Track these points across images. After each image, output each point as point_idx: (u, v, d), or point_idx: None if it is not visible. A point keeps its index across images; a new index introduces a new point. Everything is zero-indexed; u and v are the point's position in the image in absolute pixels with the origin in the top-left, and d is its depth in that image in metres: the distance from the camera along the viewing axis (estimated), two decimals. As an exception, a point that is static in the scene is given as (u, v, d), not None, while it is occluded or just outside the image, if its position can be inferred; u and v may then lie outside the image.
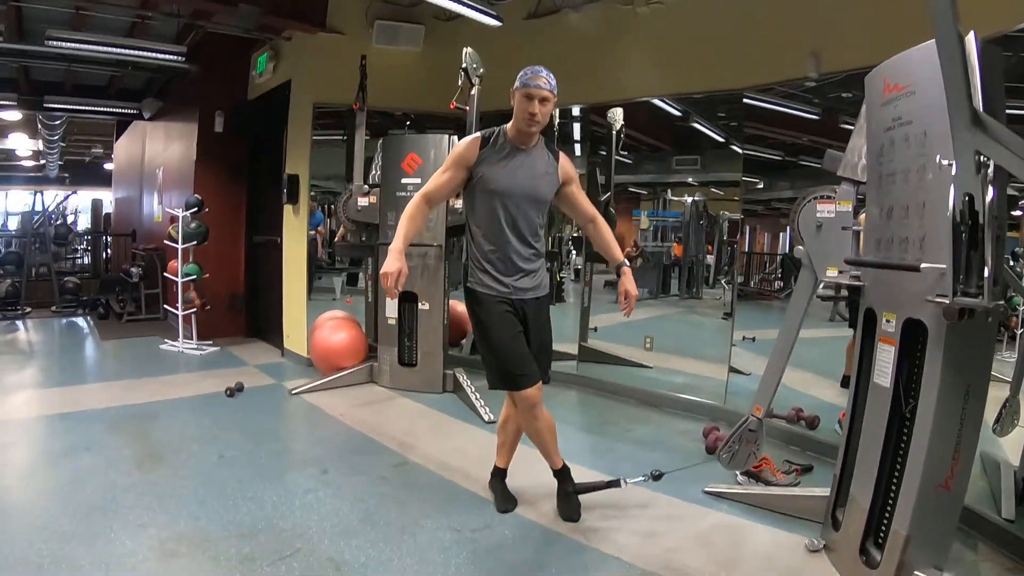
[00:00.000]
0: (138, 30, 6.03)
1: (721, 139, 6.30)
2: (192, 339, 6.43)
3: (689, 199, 8.45)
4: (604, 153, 5.78)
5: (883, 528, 2.32)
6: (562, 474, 2.98)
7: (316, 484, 3.24)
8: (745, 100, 4.45)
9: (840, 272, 2.73)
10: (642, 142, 6.45)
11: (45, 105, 8.24)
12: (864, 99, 2.56)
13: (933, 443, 2.10)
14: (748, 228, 5.35)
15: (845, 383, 4.59)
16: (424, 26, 5.59)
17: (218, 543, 2.58)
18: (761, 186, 4.86)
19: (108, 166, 14.98)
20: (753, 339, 4.62)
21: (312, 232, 5.99)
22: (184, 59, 6.00)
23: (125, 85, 8.46)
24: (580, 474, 3.08)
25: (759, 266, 5.67)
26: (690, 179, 7.46)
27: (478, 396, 4.54)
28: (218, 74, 6.72)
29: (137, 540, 2.57)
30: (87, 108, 8.64)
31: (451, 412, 4.54)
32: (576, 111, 5.85)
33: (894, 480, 2.29)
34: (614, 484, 3.00)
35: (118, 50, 5.87)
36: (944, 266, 1.97)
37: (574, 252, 9.42)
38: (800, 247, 2.93)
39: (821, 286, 2.92)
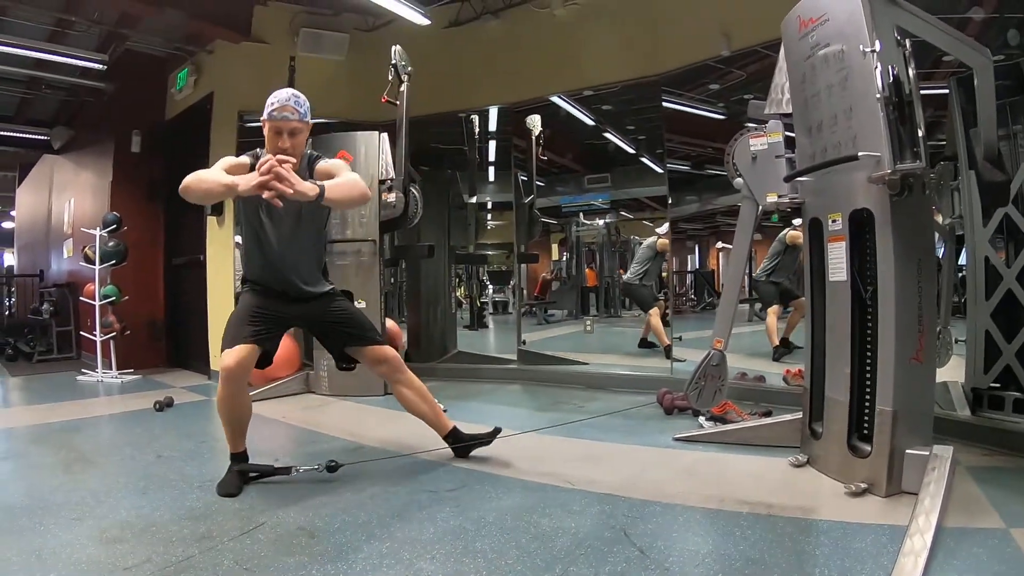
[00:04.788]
0: (56, 39, 5.39)
1: (632, 151, 6.32)
2: (111, 369, 5.73)
3: (601, 222, 8.37)
4: (523, 157, 5.68)
5: (866, 418, 2.29)
6: (240, 458, 2.70)
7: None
8: (664, 102, 4.49)
9: (780, 196, 2.79)
10: (554, 163, 6.39)
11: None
12: (782, 43, 2.71)
13: (899, 318, 2.15)
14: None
15: (775, 354, 4.65)
16: (348, 35, 5.33)
17: (168, 526, 2.16)
18: (670, 201, 4.82)
19: (7, 225, 13.75)
20: (680, 338, 4.73)
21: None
22: (105, 66, 5.37)
23: (34, 115, 7.68)
24: (544, 439, 2.87)
25: (670, 285, 5.83)
26: (599, 200, 7.39)
27: (424, 390, 4.17)
28: (134, 95, 6.19)
29: (72, 532, 2.11)
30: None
31: (397, 408, 4.10)
32: (494, 112, 5.67)
33: (867, 369, 2.29)
34: (283, 472, 2.68)
35: (35, 53, 5.23)
36: (879, 154, 2.11)
37: (491, 286, 9.19)
38: (739, 179, 2.95)
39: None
